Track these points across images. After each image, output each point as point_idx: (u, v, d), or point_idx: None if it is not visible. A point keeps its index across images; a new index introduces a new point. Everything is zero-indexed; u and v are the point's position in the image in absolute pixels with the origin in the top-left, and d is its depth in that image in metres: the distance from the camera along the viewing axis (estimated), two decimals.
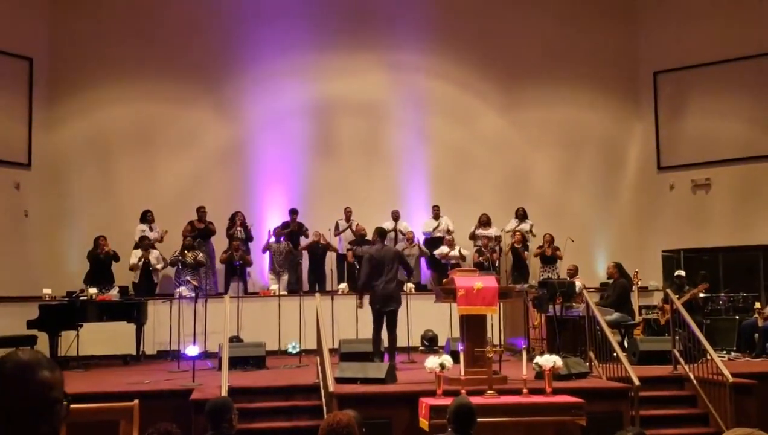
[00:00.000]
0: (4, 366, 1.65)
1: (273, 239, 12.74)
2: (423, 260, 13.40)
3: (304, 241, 13.03)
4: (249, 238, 12.91)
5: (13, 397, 1.60)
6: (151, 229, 12.61)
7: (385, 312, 8.73)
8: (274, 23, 14.04)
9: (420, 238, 13.43)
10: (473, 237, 13.31)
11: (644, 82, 14.65)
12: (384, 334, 8.85)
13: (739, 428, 2.80)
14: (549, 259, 13.03)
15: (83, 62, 13.40)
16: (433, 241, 13.31)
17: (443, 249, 12.94)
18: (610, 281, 11.13)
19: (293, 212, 13.14)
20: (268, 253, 12.81)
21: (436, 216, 13.48)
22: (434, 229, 13.40)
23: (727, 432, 2.78)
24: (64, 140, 13.39)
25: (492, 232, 13.17)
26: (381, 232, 9.33)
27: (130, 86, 13.57)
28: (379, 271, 8.78)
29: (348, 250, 12.91)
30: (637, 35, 14.78)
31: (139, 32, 13.64)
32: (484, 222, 13.32)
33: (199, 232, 12.61)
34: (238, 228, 12.72)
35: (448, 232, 13.28)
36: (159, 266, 12.31)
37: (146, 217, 12.70)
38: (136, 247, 12.32)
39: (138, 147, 13.64)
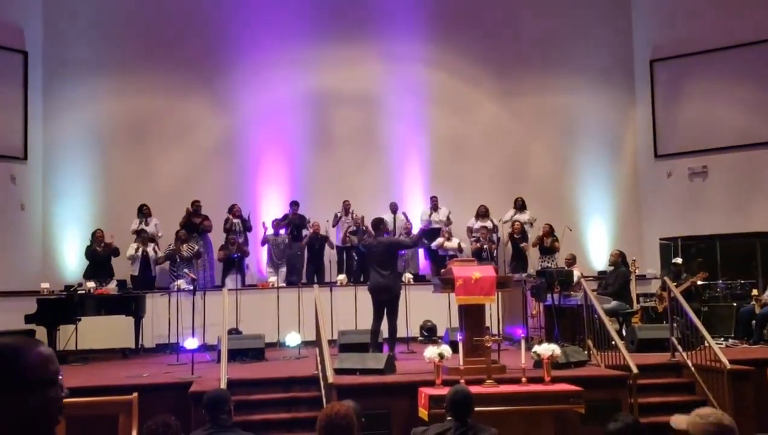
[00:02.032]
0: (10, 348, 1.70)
1: (271, 231, 12.74)
2: (421, 251, 13.39)
3: (305, 234, 13.01)
4: (248, 228, 12.91)
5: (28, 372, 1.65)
6: (146, 223, 12.61)
7: (379, 301, 8.84)
8: (268, 15, 13.99)
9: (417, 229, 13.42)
10: (471, 230, 13.30)
11: (641, 70, 14.63)
12: (384, 324, 8.92)
13: (705, 408, 2.81)
14: (547, 248, 13.03)
15: (78, 55, 13.35)
16: (431, 232, 13.30)
17: (440, 240, 12.94)
18: (611, 269, 11.13)
19: (294, 204, 13.12)
20: (266, 245, 12.81)
21: (435, 207, 13.46)
22: (433, 220, 13.38)
23: (695, 411, 2.77)
24: (60, 133, 13.35)
25: (490, 223, 13.16)
26: (374, 224, 9.39)
27: (125, 79, 13.53)
28: (372, 262, 8.98)
29: (346, 237, 12.91)
30: (633, 23, 14.75)
31: (134, 25, 13.60)
32: (482, 213, 13.31)
33: (194, 227, 12.57)
34: (234, 220, 12.71)
35: (448, 222, 13.25)
36: (158, 255, 12.27)
37: (142, 211, 12.70)
38: (136, 240, 12.34)
39: (134, 140, 13.62)
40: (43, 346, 1.73)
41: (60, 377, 1.72)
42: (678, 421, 2.81)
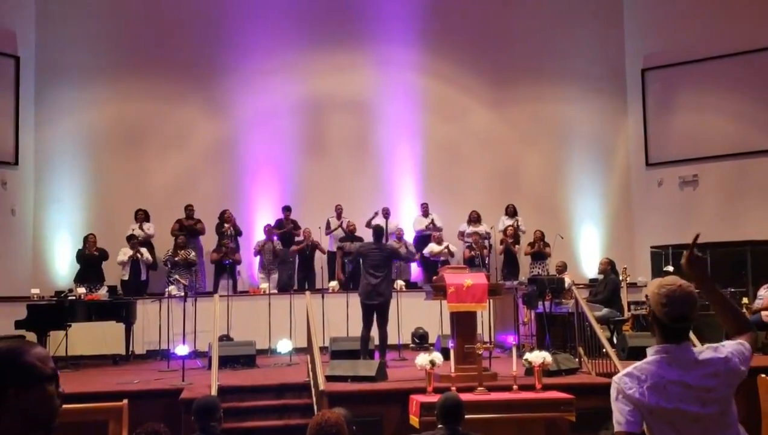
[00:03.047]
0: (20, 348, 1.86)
1: (263, 237, 12.72)
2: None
3: (297, 239, 12.99)
4: (238, 232, 12.89)
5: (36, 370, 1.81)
6: (141, 228, 12.57)
7: (369, 305, 8.84)
8: (262, 21, 14.00)
9: (410, 235, 13.45)
10: (463, 234, 13.32)
11: (632, 78, 14.71)
12: (375, 331, 8.92)
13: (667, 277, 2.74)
14: (538, 255, 13.06)
15: (70, 60, 13.31)
16: (423, 239, 13.31)
17: (432, 247, 12.92)
18: (600, 277, 11.16)
19: (287, 209, 13.11)
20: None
21: (425, 213, 13.48)
22: (425, 227, 13.38)
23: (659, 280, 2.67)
24: (52, 138, 13.31)
25: (482, 228, 13.17)
26: (376, 231, 9.46)
27: (118, 84, 13.50)
28: (367, 266, 8.97)
29: (338, 247, 12.90)
30: (624, 32, 14.83)
31: (127, 30, 13.57)
32: (474, 219, 13.34)
33: (187, 230, 12.57)
34: (226, 225, 12.68)
35: (435, 228, 13.24)
36: (148, 259, 12.21)
37: (137, 216, 12.66)
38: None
39: (127, 146, 13.58)
40: (40, 347, 1.91)
41: (57, 375, 1.89)
42: (647, 288, 2.73)
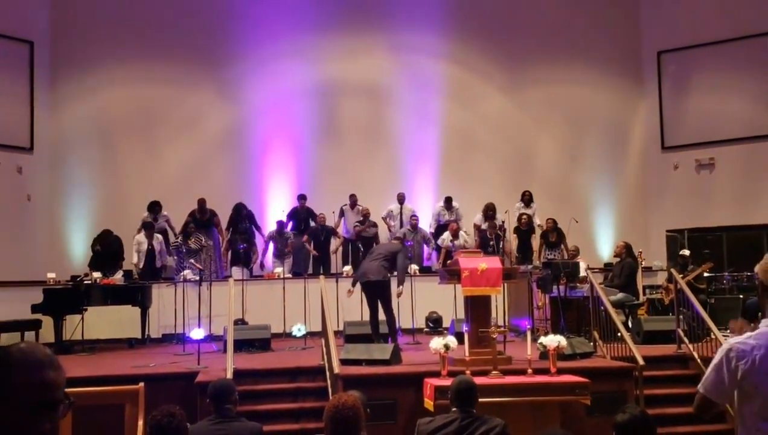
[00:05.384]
0: (11, 357, 1.66)
1: (276, 228, 12.71)
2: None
3: (312, 226, 12.98)
4: (256, 227, 12.87)
5: (20, 391, 1.63)
6: (156, 219, 12.52)
7: (364, 286, 8.85)
8: (277, 4, 13.95)
9: (432, 224, 13.32)
10: (478, 227, 13.04)
11: (648, 61, 14.56)
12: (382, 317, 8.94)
13: None
14: (552, 243, 12.86)
15: (84, 45, 13.35)
16: (440, 228, 13.12)
17: (446, 236, 12.65)
18: (616, 261, 11.09)
19: (302, 198, 13.06)
20: (271, 239, 12.78)
21: (449, 207, 13.25)
22: (445, 219, 13.16)
23: None
24: (67, 124, 13.37)
25: (497, 221, 12.87)
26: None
27: (132, 69, 13.52)
28: (368, 252, 9.21)
29: (355, 226, 12.86)
30: (640, 14, 14.68)
31: (140, 14, 13.58)
32: (490, 216, 12.95)
33: (202, 223, 12.52)
34: (242, 224, 12.66)
35: (458, 220, 13.06)
36: (164, 254, 12.25)
37: (153, 208, 12.56)
38: (139, 231, 12.31)
39: (140, 130, 13.62)
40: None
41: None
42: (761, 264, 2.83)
